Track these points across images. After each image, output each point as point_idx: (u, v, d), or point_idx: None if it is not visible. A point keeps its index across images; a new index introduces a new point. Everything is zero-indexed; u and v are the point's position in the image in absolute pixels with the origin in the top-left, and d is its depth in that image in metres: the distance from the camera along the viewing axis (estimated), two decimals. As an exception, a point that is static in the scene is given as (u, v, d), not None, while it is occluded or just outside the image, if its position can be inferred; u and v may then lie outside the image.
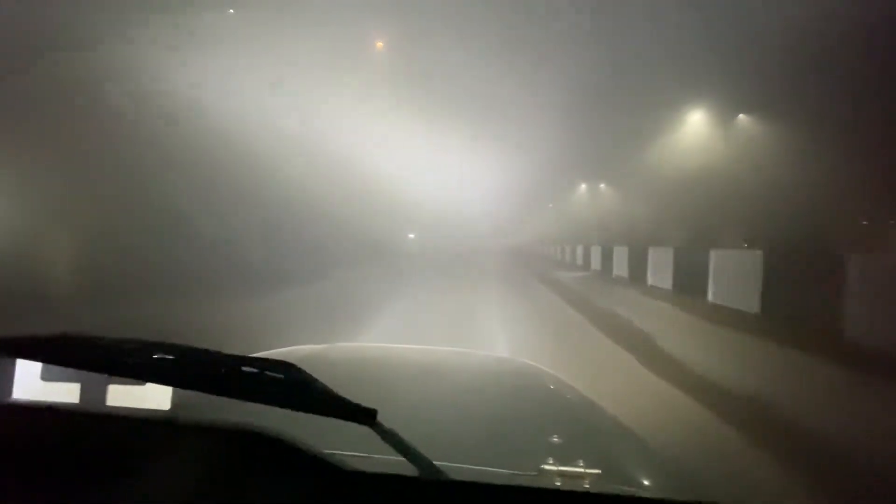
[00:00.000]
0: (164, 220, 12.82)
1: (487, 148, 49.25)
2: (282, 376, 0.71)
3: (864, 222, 17.11)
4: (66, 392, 0.96)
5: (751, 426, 3.95)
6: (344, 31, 24.74)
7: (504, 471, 0.83)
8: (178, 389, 0.89)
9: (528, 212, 57.48)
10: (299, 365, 0.72)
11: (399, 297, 11.22)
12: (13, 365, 0.97)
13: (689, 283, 10.41)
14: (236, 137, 15.54)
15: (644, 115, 26.94)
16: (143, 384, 0.94)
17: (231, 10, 18.84)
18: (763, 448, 3.57)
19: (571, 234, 32.71)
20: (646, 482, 1.02)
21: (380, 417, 0.69)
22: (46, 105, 10.04)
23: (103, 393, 0.96)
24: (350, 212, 26.50)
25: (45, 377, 0.97)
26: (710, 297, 9.29)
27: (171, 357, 0.77)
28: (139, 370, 0.79)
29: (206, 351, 0.76)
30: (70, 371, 0.94)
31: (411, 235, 55.60)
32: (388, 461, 0.71)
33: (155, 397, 0.92)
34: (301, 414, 0.70)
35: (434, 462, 0.69)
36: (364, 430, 0.69)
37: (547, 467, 0.81)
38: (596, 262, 19.32)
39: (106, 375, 0.90)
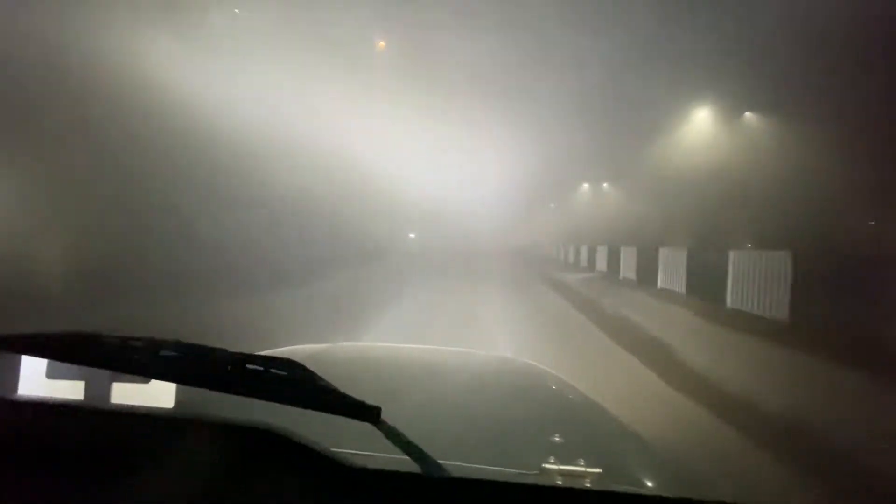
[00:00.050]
0: (164, 219, 12.82)
1: (489, 147, 48.79)
2: (286, 374, 0.72)
3: (872, 222, 16.47)
4: (70, 389, 0.93)
5: (795, 457, 3.29)
6: (345, 30, 24.73)
7: (506, 469, 0.81)
8: (182, 387, 0.90)
9: (531, 211, 56.90)
10: (303, 363, 0.73)
11: (398, 300, 10.80)
12: (18, 362, 0.93)
13: (704, 286, 9.69)
14: (237, 137, 15.61)
15: (648, 112, 26.77)
16: (148, 381, 0.92)
17: (236, 10, 18.95)
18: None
19: (575, 234, 32.17)
20: (647, 481, 1.02)
21: (383, 415, 0.70)
22: (47, 105, 9.99)
23: (108, 390, 0.93)
24: (350, 211, 26.49)
25: (51, 374, 0.94)
26: (728, 301, 8.57)
27: (176, 354, 0.78)
28: (145, 367, 0.80)
29: (212, 348, 0.77)
30: (75, 368, 0.90)
31: (412, 235, 55.19)
32: (392, 459, 0.72)
33: (160, 394, 0.91)
34: (305, 411, 0.71)
35: (436, 460, 0.70)
36: (367, 428, 0.70)
37: (548, 466, 0.80)
38: (601, 263, 18.60)
39: (111, 373, 0.91)
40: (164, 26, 13.68)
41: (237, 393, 0.73)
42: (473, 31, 32.67)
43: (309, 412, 0.70)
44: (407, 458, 0.70)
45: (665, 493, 0.94)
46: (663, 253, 11.95)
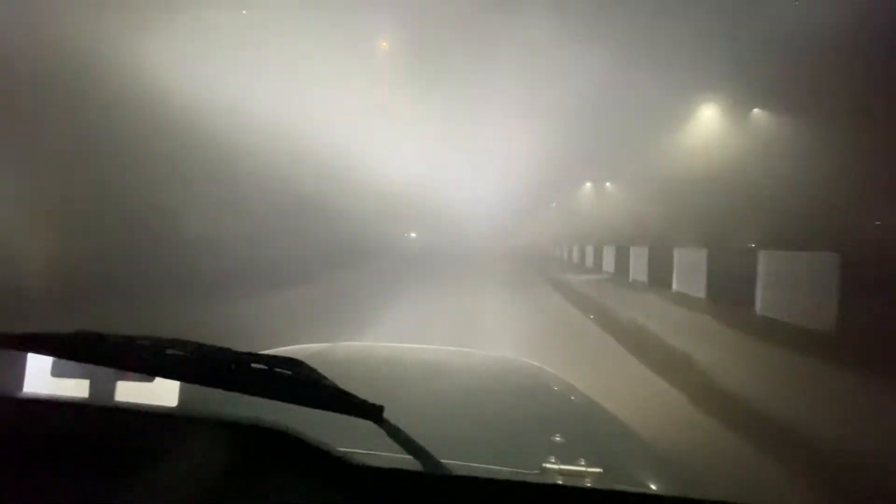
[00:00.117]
0: (166, 219, 13.21)
1: (490, 145, 48.04)
2: (290, 373, 0.73)
3: (878, 222, 16.14)
4: (76, 387, 0.94)
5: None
6: (347, 30, 24.29)
7: (507, 468, 0.82)
8: (186, 385, 0.90)
9: (533, 211, 56.08)
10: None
11: (395, 305, 10.14)
12: (24, 360, 0.95)
13: (728, 290, 8.81)
14: (238, 138, 15.66)
15: (653, 109, 26.10)
16: (153, 380, 0.92)
17: (244, 11, 18.91)
18: None
19: (578, 233, 31.46)
20: (647, 480, 1.02)
21: (385, 414, 0.71)
22: (51, 107, 10.06)
23: (113, 388, 0.94)
24: (351, 211, 26.16)
25: (56, 373, 0.95)
26: (758, 308, 7.70)
27: (181, 353, 0.78)
28: (150, 366, 0.81)
29: (216, 347, 0.78)
30: (80, 367, 0.91)
31: (413, 235, 54.47)
32: (393, 457, 0.72)
33: (163, 393, 0.91)
34: (307, 409, 0.72)
35: (438, 459, 0.71)
36: (369, 427, 0.71)
37: (549, 465, 0.80)
38: (609, 264, 17.71)
39: (115, 371, 0.92)
40: (167, 26, 13.56)
41: (241, 391, 0.74)
42: (474, 30, 32.13)
43: (312, 410, 0.71)
44: (409, 456, 0.71)
45: (665, 493, 0.95)
46: (679, 254, 11.06)
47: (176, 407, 0.90)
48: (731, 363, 5.42)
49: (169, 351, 0.78)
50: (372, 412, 0.70)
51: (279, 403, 0.72)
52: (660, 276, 12.36)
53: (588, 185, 39.16)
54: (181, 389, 0.91)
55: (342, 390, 0.72)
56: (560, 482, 0.77)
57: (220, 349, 0.78)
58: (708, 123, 23.04)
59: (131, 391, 0.93)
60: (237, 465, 0.70)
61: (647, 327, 7.39)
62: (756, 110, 22.12)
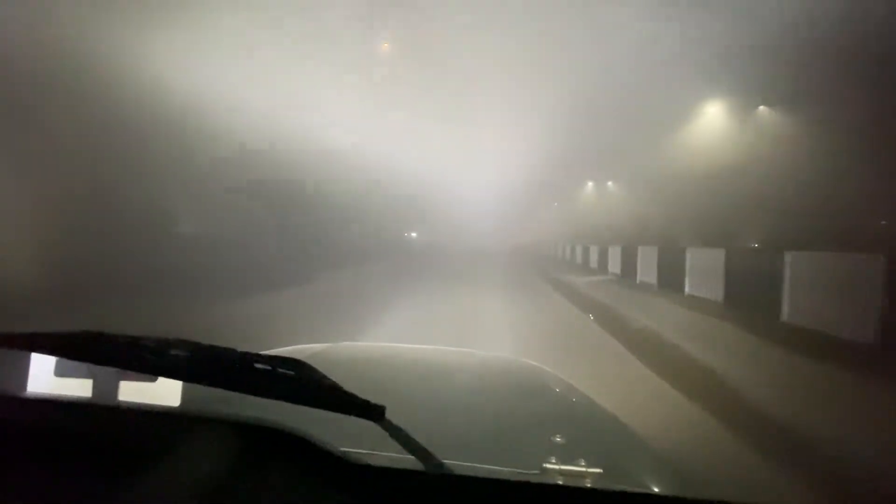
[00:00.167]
0: (165, 218, 13.38)
1: (492, 144, 47.50)
2: (293, 373, 0.74)
3: (883, 222, 16.15)
4: (79, 387, 0.94)
5: None
6: (348, 30, 24.26)
7: (507, 468, 0.81)
8: (188, 384, 0.90)
9: (534, 210, 55.53)
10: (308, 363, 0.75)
11: (390, 308, 9.68)
12: (28, 360, 0.94)
13: (748, 294, 8.13)
14: (238, 137, 15.68)
15: (656, 107, 25.77)
16: (155, 379, 0.92)
17: (245, 12, 18.76)
18: None
19: (581, 233, 30.92)
20: (647, 481, 1.02)
21: (387, 414, 0.71)
22: (51, 107, 10.08)
23: (116, 388, 0.93)
24: (351, 211, 25.76)
25: (59, 372, 0.95)
26: (784, 314, 7.02)
27: (184, 353, 0.79)
28: (154, 366, 0.81)
29: (220, 348, 0.78)
30: (83, 366, 0.90)
31: (413, 234, 53.91)
32: (395, 457, 0.73)
33: (166, 392, 0.91)
34: (310, 409, 0.72)
35: (439, 458, 0.72)
36: (371, 427, 0.71)
37: (549, 465, 0.81)
38: (614, 265, 17.02)
39: (118, 371, 0.91)
40: (169, 26, 13.56)
41: (244, 392, 0.74)
42: (478, 27, 31.75)
43: (314, 410, 0.72)
44: (409, 456, 0.71)
45: (665, 493, 0.94)
46: (693, 254, 10.37)
47: (178, 406, 0.89)
48: (760, 377, 4.75)
49: (172, 351, 0.79)
50: (374, 412, 0.71)
51: (282, 403, 0.72)
52: (671, 279, 11.68)
53: (590, 184, 38.72)
54: (184, 389, 0.90)
55: (344, 391, 0.72)
56: (560, 482, 0.76)
57: (223, 349, 0.77)
58: (712, 121, 22.62)
59: (134, 391, 0.92)
60: (240, 465, 0.71)
61: (662, 335, 6.72)
62: (761, 107, 21.58)
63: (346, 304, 10.13)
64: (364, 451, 0.76)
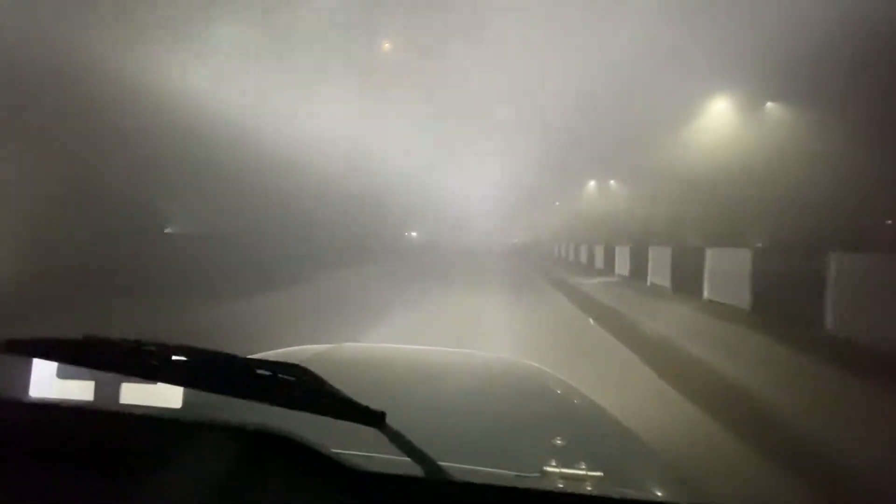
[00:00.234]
0: (166, 219, 13.63)
1: (494, 143, 46.66)
2: (294, 378, 0.74)
3: (889, 222, 16.05)
4: (81, 391, 0.94)
5: None
6: (349, 31, 24.30)
7: (507, 472, 0.79)
8: (190, 389, 0.89)
9: (536, 209, 54.59)
10: (307, 365, 0.75)
11: (389, 308, 9.34)
12: (30, 364, 0.94)
13: (780, 301, 7.15)
14: (237, 137, 15.62)
15: (661, 104, 25.27)
16: (157, 384, 0.91)
17: (247, 13, 18.88)
18: None
19: (584, 233, 30.08)
20: (648, 485, 1.01)
21: (387, 418, 0.71)
22: (50, 109, 10.20)
23: (117, 392, 0.93)
24: (351, 211, 25.44)
25: (61, 376, 0.95)
26: (828, 324, 6.06)
27: (186, 359, 0.80)
28: (156, 371, 0.82)
29: (221, 353, 0.78)
30: (85, 370, 0.92)
31: (413, 233, 53.09)
32: (395, 461, 0.73)
33: (167, 397, 0.90)
34: (310, 414, 0.72)
35: (438, 462, 0.72)
36: (372, 430, 0.72)
37: (550, 469, 0.80)
38: (622, 266, 16.05)
39: (121, 375, 0.91)
40: (173, 31, 13.65)
41: (245, 398, 0.74)
42: (477, 26, 31.19)
43: (314, 415, 0.72)
44: (410, 460, 0.71)
45: (666, 499, 0.95)
46: (714, 256, 9.39)
47: (180, 411, 0.88)
48: (803, 399, 3.80)
49: (173, 356, 0.79)
50: (374, 418, 0.71)
51: (282, 408, 0.72)
52: (685, 282, 10.73)
53: (592, 183, 37.83)
54: (185, 393, 0.89)
55: (345, 397, 0.72)
56: (560, 486, 0.76)
57: (224, 355, 0.77)
58: (719, 118, 21.89)
59: (136, 395, 0.92)
60: (241, 470, 0.71)
61: (683, 346, 5.76)
62: (770, 103, 20.90)
63: (347, 304, 9.99)
64: (364, 455, 0.75)
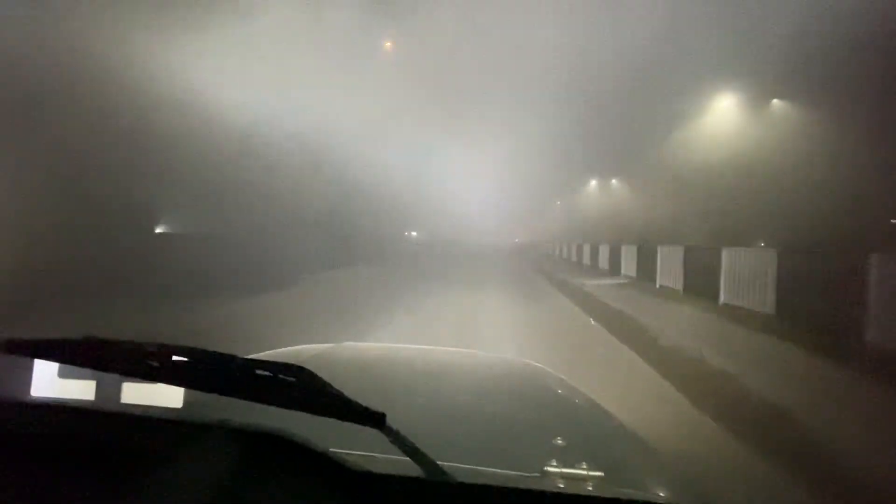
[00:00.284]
0: (165, 221, 13.29)
1: (493, 141, 46.08)
2: (294, 379, 0.73)
3: (894, 221, 15.68)
4: (81, 391, 0.94)
5: None
6: (349, 29, 24.06)
7: (507, 472, 0.80)
8: (191, 390, 0.89)
9: (537, 209, 54.05)
10: (308, 365, 0.74)
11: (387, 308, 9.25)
12: (31, 364, 0.95)
13: (810, 306, 6.51)
14: (236, 137, 15.58)
15: (664, 101, 24.87)
16: (158, 385, 0.91)
17: (246, 13, 18.47)
18: None
19: (586, 232, 29.57)
20: (649, 485, 1.01)
21: (388, 418, 0.71)
22: (49, 108, 10.12)
23: (118, 393, 0.94)
24: (351, 210, 25.18)
25: (62, 377, 0.95)
26: (868, 334, 5.41)
27: (187, 360, 0.79)
28: (157, 372, 0.81)
29: (221, 354, 0.78)
30: (86, 372, 0.92)
31: (413, 233, 52.50)
32: (396, 462, 0.73)
33: (168, 398, 0.90)
34: (310, 415, 0.72)
35: (439, 462, 0.71)
36: (372, 431, 0.71)
37: (550, 469, 0.80)
38: (628, 267, 15.40)
39: (121, 376, 0.91)
40: (172, 28, 13.45)
41: (246, 398, 0.74)
42: (477, 26, 30.93)
43: (315, 416, 0.72)
44: (411, 460, 0.71)
45: (668, 499, 0.94)
46: (732, 257, 8.73)
47: (180, 412, 0.88)
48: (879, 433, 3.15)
49: (174, 357, 0.79)
50: (374, 419, 0.71)
51: (283, 409, 0.71)
52: (698, 284, 10.09)
53: (594, 182, 37.31)
54: (186, 394, 0.89)
55: (345, 398, 0.72)
56: (561, 486, 0.76)
57: (225, 356, 0.77)
58: (724, 115, 21.46)
59: (137, 396, 0.92)
60: (241, 471, 0.71)
61: (706, 358, 5.12)
62: (776, 101, 20.63)
63: (347, 304, 9.86)
64: (365, 455, 0.75)
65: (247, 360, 0.77)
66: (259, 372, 0.74)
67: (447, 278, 16.45)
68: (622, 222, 26.51)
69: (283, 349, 1.68)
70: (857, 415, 3.71)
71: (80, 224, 10.21)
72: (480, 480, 0.71)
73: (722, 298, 8.84)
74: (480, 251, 41.79)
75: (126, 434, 0.79)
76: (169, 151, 12.87)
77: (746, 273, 8.08)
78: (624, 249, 16.11)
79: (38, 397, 0.93)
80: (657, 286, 12.28)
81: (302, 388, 0.72)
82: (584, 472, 0.78)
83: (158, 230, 14.92)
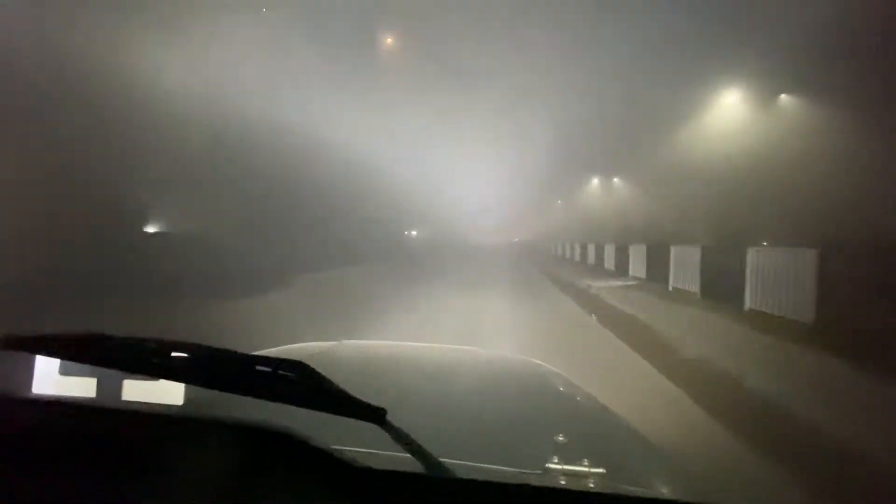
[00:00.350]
0: (164, 221, 13.36)
1: (493, 140, 45.45)
2: (294, 375, 0.73)
3: None
4: (82, 388, 0.95)
5: None
6: (350, 28, 24.12)
7: (509, 469, 0.80)
8: (191, 386, 0.89)
9: (538, 208, 53.41)
10: (309, 362, 0.74)
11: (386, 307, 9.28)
12: (32, 360, 0.95)
13: (858, 316, 5.74)
14: (236, 136, 15.41)
15: (669, 96, 23.63)
16: (159, 381, 0.93)
17: (264, 9, 18.85)
18: None
19: (589, 231, 28.94)
20: (651, 482, 0.99)
21: (388, 415, 0.71)
22: (48, 108, 10.07)
23: (119, 389, 0.94)
24: (351, 210, 24.91)
25: (63, 373, 0.96)
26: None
27: (187, 356, 0.79)
28: (157, 368, 0.81)
29: (222, 350, 0.78)
30: (87, 367, 0.89)
31: (413, 233, 51.86)
32: (397, 458, 0.72)
33: (169, 393, 0.91)
34: (311, 411, 0.72)
35: (440, 459, 0.71)
36: (373, 427, 0.71)
37: (552, 466, 0.80)
38: (637, 268, 14.65)
39: (122, 372, 0.91)
40: (172, 28, 13.36)
41: (246, 394, 0.73)
42: (479, 21, 30.50)
43: (315, 412, 0.71)
44: (412, 457, 0.70)
45: (669, 496, 0.92)
46: (759, 256, 7.96)
47: (181, 408, 0.88)
48: None
49: (175, 353, 0.78)
50: (374, 415, 0.70)
51: (283, 405, 0.71)
52: (718, 287, 9.34)
53: (596, 180, 36.69)
54: (186, 390, 0.90)
55: (345, 394, 0.71)
56: (563, 483, 0.75)
57: (225, 352, 0.77)
58: (730, 111, 20.90)
59: (138, 392, 0.92)
60: (242, 467, 0.70)
61: (733, 372, 4.35)
62: (783, 96, 19.93)
63: (347, 303, 9.87)
64: (365, 452, 0.74)
65: (247, 356, 0.76)
66: (260, 368, 0.74)
67: (447, 279, 15.73)
68: (625, 221, 25.92)
69: (283, 347, 1.67)
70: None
71: (80, 224, 10.22)
72: (481, 477, 0.69)
73: (748, 304, 8.07)
74: (481, 250, 41.14)
75: (127, 430, 0.77)
76: (169, 151, 12.92)
77: (778, 275, 7.31)
78: (632, 249, 15.36)
79: (40, 394, 0.93)
80: (670, 288, 11.52)
81: (303, 384, 0.72)
82: (586, 469, 0.78)
83: (158, 230, 15.03)
